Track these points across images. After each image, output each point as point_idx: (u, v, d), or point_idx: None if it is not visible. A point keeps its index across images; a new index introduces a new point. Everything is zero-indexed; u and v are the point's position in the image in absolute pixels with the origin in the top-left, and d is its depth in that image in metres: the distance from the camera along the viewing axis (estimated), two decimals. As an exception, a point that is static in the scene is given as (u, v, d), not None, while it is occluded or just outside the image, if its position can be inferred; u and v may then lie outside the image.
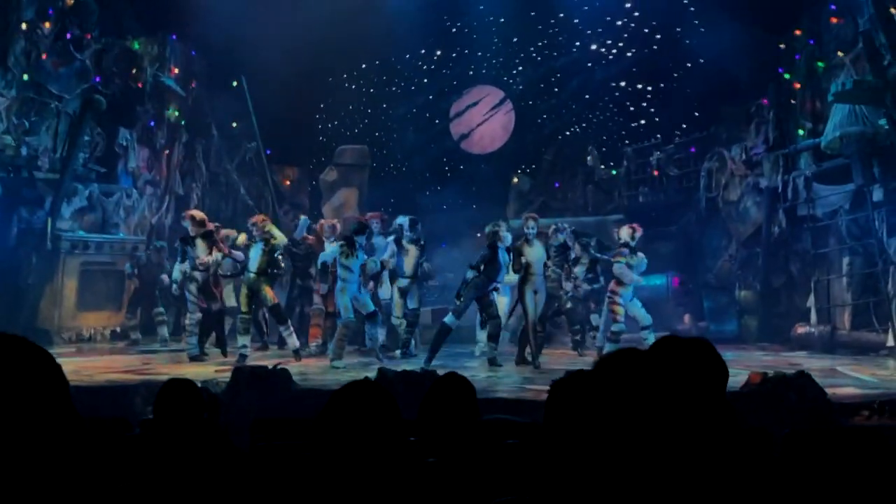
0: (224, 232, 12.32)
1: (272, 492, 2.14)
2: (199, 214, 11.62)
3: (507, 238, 10.81)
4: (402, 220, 12.04)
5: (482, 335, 11.32)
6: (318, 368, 10.25)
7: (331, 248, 11.30)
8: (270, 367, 8.02)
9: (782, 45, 14.80)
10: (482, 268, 10.49)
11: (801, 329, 12.89)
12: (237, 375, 7.57)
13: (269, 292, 11.08)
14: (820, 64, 13.88)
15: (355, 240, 10.72)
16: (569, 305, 11.74)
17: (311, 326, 12.48)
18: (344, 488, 2.05)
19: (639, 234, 11.12)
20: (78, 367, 9.81)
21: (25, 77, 13.62)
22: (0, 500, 1.42)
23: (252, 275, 10.96)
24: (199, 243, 11.05)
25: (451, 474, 2.85)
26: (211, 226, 11.46)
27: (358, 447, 2.10)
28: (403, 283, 11.77)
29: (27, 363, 1.51)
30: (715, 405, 1.91)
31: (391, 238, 11.91)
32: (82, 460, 1.56)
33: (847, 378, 9.50)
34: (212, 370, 9.68)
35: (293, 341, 11.22)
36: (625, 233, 11.18)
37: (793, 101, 14.47)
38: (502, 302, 11.67)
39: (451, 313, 10.89)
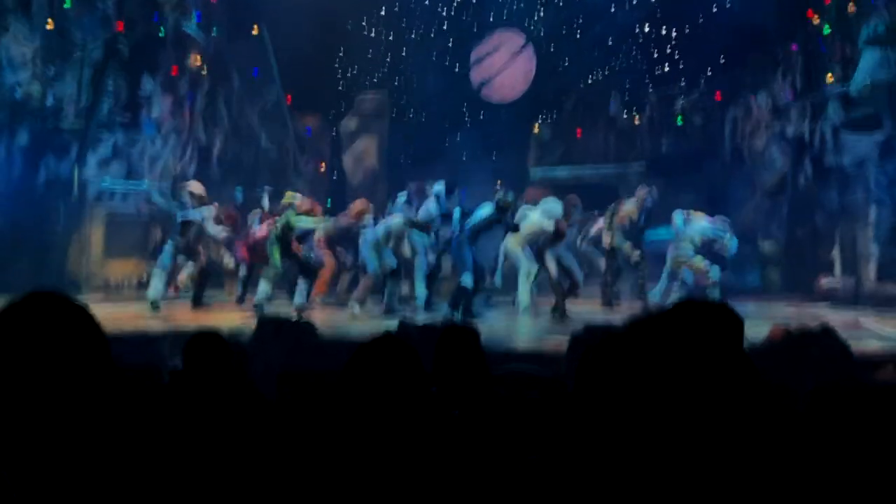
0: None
1: (301, 443, 2.19)
2: (197, 189, 11.73)
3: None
4: (439, 188, 11.85)
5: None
6: (342, 319, 10.34)
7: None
8: (295, 317, 8.11)
9: (812, -12, 14.47)
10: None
11: (824, 281, 12.83)
12: (262, 326, 7.66)
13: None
14: (851, 7, 13.54)
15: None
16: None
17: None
18: (368, 441, 2.10)
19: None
20: (106, 315, 9.89)
21: (49, 25, 13.62)
22: (49, 456, 1.47)
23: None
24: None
25: (473, 427, 2.90)
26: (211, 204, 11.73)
27: (382, 402, 2.15)
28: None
29: (70, 320, 1.55)
30: (734, 367, 1.93)
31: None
32: (121, 413, 1.60)
33: (871, 332, 9.46)
34: (237, 319, 9.82)
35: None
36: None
37: (822, 47, 14.17)
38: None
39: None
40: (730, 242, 11.68)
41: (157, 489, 1.58)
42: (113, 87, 14.69)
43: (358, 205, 12.24)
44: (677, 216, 11.68)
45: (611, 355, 1.54)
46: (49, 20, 13.58)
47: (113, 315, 9.96)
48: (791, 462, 1.95)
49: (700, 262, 11.37)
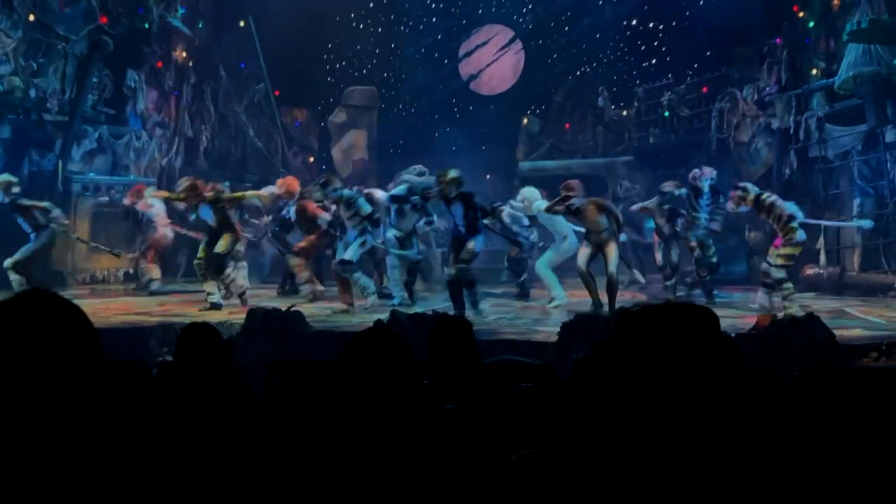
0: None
1: (290, 434, 2.20)
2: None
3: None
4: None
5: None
6: (330, 310, 10.33)
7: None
8: (284, 309, 8.11)
9: (797, -18, 14.54)
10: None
11: (810, 270, 12.90)
12: (252, 318, 7.67)
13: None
14: (835, 2, 13.63)
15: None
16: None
17: None
18: (360, 432, 2.11)
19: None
20: (93, 309, 9.91)
21: (31, 18, 13.52)
22: (42, 453, 1.47)
23: None
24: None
25: (467, 418, 2.92)
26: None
27: (373, 393, 2.16)
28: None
29: (62, 318, 1.55)
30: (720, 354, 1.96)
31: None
32: (112, 408, 1.61)
33: (856, 320, 9.56)
34: (226, 312, 9.81)
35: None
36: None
37: (807, 41, 14.26)
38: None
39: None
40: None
41: (150, 483, 1.58)
42: (97, 79, 14.61)
43: (293, 184, 12.32)
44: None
45: (604, 349, 1.56)
46: (31, 13, 13.48)
47: (100, 308, 9.94)
48: (777, 446, 1.98)
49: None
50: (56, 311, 1.54)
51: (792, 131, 14.17)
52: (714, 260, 11.32)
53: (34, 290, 1.60)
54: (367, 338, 2.28)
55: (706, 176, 11.28)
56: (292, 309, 8.20)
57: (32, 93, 13.48)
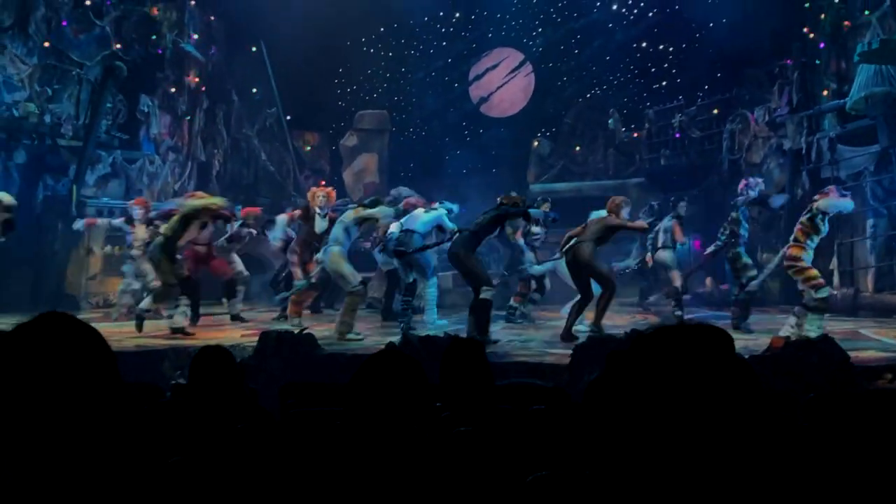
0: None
1: (305, 456, 2.20)
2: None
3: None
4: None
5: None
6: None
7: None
8: (296, 331, 8.12)
9: (807, 4, 14.57)
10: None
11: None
12: (264, 340, 7.67)
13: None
14: (845, 23, 13.66)
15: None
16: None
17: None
18: (373, 454, 2.11)
19: None
20: (106, 333, 9.87)
21: (46, 44, 13.73)
22: (59, 473, 1.48)
23: None
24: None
25: (480, 440, 2.91)
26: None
27: (386, 415, 2.16)
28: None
29: (78, 340, 1.56)
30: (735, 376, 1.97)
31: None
32: (129, 429, 1.62)
33: (870, 341, 9.48)
34: (238, 335, 9.81)
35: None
36: None
37: (817, 62, 14.27)
38: None
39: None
40: None
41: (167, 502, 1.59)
42: (111, 105, 14.77)
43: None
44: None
45: (618, 367, 1.56)
46: (46, 40, 13.69)
47: (113, 332, 9.96)
48: (791, 467, 1.97)
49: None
50: (73, 333, 1.56)
51: (804, 152, 14.15)
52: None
53: (52, 314, 1.62)
54: (380, 360, 2.28)
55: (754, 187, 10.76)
56: (304, 332, 8.20)
57: (47, 118, 13.64)
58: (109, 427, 1.54)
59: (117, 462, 1.54)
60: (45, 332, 1.54)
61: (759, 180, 11.11)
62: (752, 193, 10.67)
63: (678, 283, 11.56)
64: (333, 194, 11.96)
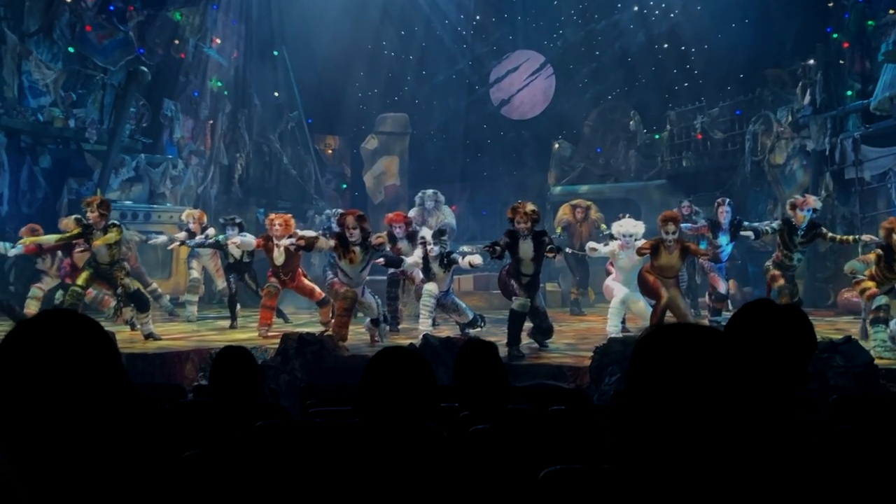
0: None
1: (323, 456, 2.21)
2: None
3: None
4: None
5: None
6: (365, 336, 10.30)
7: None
8: (317, 333, 8.15)
9: (830, 4, 14.45)
10: None
11: (847, 294, 12.71)
12: (286, 342, 7.70)
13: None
14: (870, 23, 13.52)
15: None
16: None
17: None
18: (385, 449, 2.12)
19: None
20: (132, 334, 10.06)
21: (71, 49, 13.91)
22: (64, 470, 1.49)
23: None
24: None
25: (494, 440, 2.91)
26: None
27: (393, 407, 2.18)
28: None
29: (82, 335, 1.57)
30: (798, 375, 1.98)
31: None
32: (136, 425, 1.62)
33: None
34: (257, 338, 9.87)
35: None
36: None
37: (841, 62, 14.14)
38: None
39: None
40: None
41: (180, 499, 1.59)
42: (135, 109, 14.92)
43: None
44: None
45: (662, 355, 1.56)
46: (70, 45, 13.87)
47: (137, 334, 10.04)
48: (814, 468, 1.95)
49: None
50: (78, 328, 1.56)
51: (827, 153, 14.01)
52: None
53: (56, 310, 1.64)
54: (388, 355, 2.32)
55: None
56: (325, 333, 8.24)
57: (72, 123, 13.81)
58: (116, 422, 1.54)
59: (124, 457, 1.55)
60: (47, 327, 1.55)
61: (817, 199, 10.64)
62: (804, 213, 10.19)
63: (722, 287, 11.02)
64: (292, 222, 10.97)
